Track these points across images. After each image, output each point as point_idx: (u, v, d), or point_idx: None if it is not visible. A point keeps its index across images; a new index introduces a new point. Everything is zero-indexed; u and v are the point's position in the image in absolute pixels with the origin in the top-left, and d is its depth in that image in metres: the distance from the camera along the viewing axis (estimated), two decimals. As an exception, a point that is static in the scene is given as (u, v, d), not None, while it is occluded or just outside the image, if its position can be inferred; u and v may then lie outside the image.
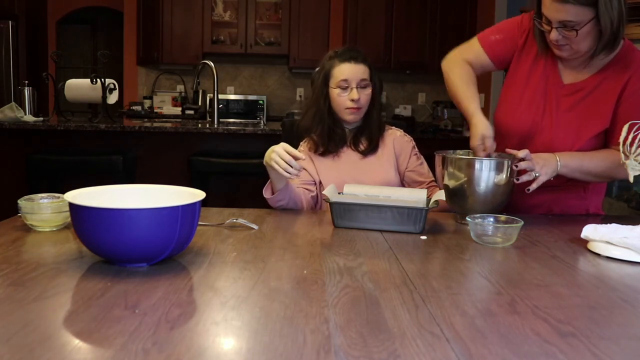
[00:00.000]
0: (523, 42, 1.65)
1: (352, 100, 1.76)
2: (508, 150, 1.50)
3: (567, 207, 1.69)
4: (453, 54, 1.75)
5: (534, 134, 1.62)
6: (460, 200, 1.49)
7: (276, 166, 1.52)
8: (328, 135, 1.81)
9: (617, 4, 1.40)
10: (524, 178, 1.46)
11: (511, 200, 1.58)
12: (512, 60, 1.68)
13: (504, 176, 1.46)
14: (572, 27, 1.42)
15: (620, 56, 1.55)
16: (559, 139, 1.58)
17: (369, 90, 1.80)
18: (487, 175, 1.46)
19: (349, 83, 1.77)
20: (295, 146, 1.80)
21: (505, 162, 1.46)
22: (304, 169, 1.80)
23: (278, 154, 1.52)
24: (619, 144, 1.46)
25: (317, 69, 1.87)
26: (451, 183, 1.50)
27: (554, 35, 1.46)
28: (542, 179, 1.47)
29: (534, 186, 1.47)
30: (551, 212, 1.69)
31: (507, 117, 1.68)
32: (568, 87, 1.60)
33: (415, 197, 1.51)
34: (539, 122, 1.62)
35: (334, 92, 1.79)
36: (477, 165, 1.47)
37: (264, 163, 1.57)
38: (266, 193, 1.66)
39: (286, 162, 1.51)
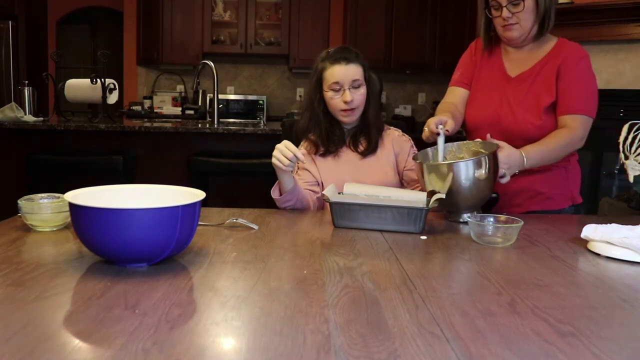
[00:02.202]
0: (475, 60, 1.90)
1: (345, 102, 1.76)
2: (489, 138, 1.61)
3: (553, 187, 1.79)
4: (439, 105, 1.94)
5: (498, 121, 1.78)
6: (447, 201, 1.48)
7: (276, 161, 1.54)
8: (327, 136, 1.81)
9: None
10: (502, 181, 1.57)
11: (499, 208, 1.71)
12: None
13: (484, 171, 1.46)
14: (519, 1, 1.68)
15: (554, 48, 1.79)
16: (520, 119, 1.75)
17: (362, 90, 1.78)
18: (466, 174, 1.46)
19: (340, 85, 1.76)
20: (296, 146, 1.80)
21: (483, 159, 1.46)
22: (307, 170, 1.80)
23: (279, 150, 1.55)
24: (564, 112, 1.71)
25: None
26: (436, 187, 1.49)
27: (505, 13, 1.71)
28: (509, 175, 1.57)
29: (502, 181, 1.56)
30: (538, 193, 1.79)
31: (472, 113, 1.87)
32: (516, 80, 1.81)
33: (416, 197, 1.51)
34: (499, 111, 1.79)
35: (327, 95, 1.78)
36: (455, 168, 1.46)
37: (272, 164, 1.59)
38: (274, 194, 1.67)
39: (286, 157, 1.54)
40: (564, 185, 1.82)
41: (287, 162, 1.54)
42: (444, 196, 1.43)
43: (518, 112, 1.76)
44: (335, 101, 1.77)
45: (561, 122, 1.72)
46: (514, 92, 1.79)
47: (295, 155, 1.53)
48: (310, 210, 1.71)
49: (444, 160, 1.59)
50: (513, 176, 1.58)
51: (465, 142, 1.70)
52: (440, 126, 1.59)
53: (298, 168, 1.72)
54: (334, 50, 1.81)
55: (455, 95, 1.90)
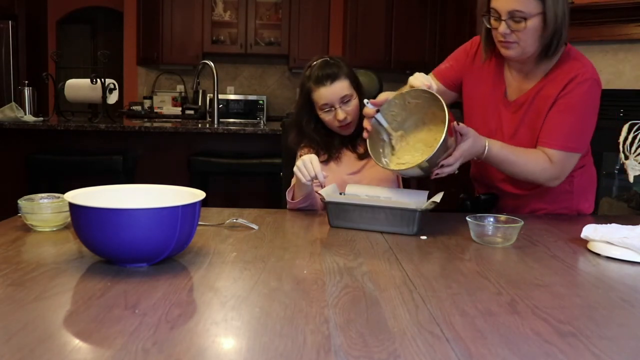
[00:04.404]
0: (470, 62, 1.69)
1: (339, 121, 1.74)
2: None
3: (554, 203, 1.67)
4: None
5: None
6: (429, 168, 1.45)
7: (298, 173, 1.54)
8: (325, 147, 1.81)
9: (562, 3, 1.45)
10: (444, 171, 1.44)
11: (499, 208, 1.62)
12: (463, 83, 1.71)
13: (444, 149, 1.41)
14: (521, 18, 1.44)
15: (556, 65, 1.56)
16: None
17: (354, 102, 1.75)
18: (430, 162, 1.41)
19: (330, 105, 1.73)
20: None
21: (440, 146, 1.39)
22: None
23: (304, 165, 1.53)
24: (542, 144, 1.52)
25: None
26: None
27: (502, 28, 1.46)
28: (457, 165, 1.45)
29: (446, 170, 1.44)
30: (538, 209, 1.70)
31: None
32: (512, 105, 1.62)
33: (415, 198, 1.51)
34: (494, 137, 1.61)
35: (321, 116, 1.77)
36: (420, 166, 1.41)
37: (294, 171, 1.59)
38: (288, 196, 1.68)
39: (309, 173, 1.52)
40: (567, 200, 1.69)
41: (308, 178, 1.53)
42: (438, 200, 1.42)
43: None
44: (330, 119, 1.76)
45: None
46: (508, 122, 1.63)
47: (316, 175, 1.53)
48: (318, 211, 1.70)
49: (391, 130, 1.55)
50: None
51: (399, 96, 1.54)
52: (367, 102, 1.51)
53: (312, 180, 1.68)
54: (317, 66, 1.75)
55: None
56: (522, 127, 1.60)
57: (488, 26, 1.53)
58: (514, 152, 1.54)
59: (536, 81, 1.58)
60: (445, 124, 1.39)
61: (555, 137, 1.53)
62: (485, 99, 1.67)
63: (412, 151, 1.55)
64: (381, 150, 1.57)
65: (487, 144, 1.50)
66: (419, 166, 1.42)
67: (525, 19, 1.44)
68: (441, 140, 1.38)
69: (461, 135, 1.45)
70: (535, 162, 1.54)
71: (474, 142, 1.47)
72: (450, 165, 1.44)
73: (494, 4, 1.48)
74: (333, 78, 1.72)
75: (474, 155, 1.49)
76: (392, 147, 1.58)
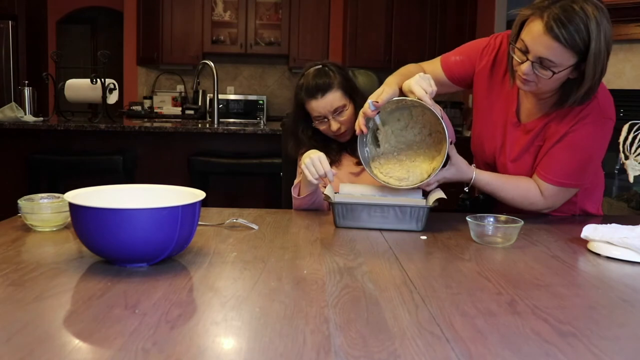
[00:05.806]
0: (487, 66, 1.61)
1: (333, 131, 1.73)
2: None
3: (558, 212, 1.63)
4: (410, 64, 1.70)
5: (493, 166, 1.65)
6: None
7: (307, 171, 1.53)
8: (324, 152, 1.80)
9: (606, 59, 1.33)
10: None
11: (499, 208, 1.62)
12: (472, 82, 1.66)
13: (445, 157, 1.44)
14: (548, 67, 1.33)
15: None
16: (512, 174, 1.59)
17: (348, 111, 1.72)
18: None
19: (323, 117, 1.72)
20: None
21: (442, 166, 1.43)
22: None
23: (313, 163, 1.52)
24: (537, 175, 1.50)
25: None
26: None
27: (525, 68, 1.35)
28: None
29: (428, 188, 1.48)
30: (542, 215, 1.66)
31: (474, 145, 1.73)
32: (522, 128, 1.57)
33: (411, 196, 1.51)
34: (496, 157, 1.64)
35: (316, 126, 1.76)
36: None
37: (300, 165, 1.57)
38: (294, 191, 1.67)
39: (317, 172, 1.52)
40: (572, 210, 1.65)
41: (317, 176, 1.52)
42: (444, 196, 1.43)
43: (511, 171, 1.59)
44: (325, 129, 1.75)
45: (534, 179, 1.54)
46: (513, 144, 1.57)
47: (325, 174, 1.52)
48: (324, 211, 1.70)
49: (380, 125, 1.53)
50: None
51: (393, 105, 1.49)
52: (370, 103, 1.43)
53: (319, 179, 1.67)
54: (310, 77, 1.72)
55: (433, 71, 1.63)
56: (527, 154, 1.56)
57: (512, 54, 1.41)
58: (501, 187, 1.54)
59: (547, 109, 1.51)
60: (442, 157, 1.42)
61: (554, 172, 1.49)
62: (495, 112, 1.62)
63: (397, 164, 1.56)
64: (364, 139, 1.55)
65: (474, 177, 1.51)
66: (398, 186, 1.49)
67: (553, 71, 1.33)
68: (428, 177, 1.44)
69: (449, 157, 1.45)
70: (523, 196, 1.53)
71: (457, 174, 1.48)
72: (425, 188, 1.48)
73: (527, 40, 1.34)
74: (324, 90, 1.69)
75: (455, 181, 1.50)
76: (376, 139, 1.57)
